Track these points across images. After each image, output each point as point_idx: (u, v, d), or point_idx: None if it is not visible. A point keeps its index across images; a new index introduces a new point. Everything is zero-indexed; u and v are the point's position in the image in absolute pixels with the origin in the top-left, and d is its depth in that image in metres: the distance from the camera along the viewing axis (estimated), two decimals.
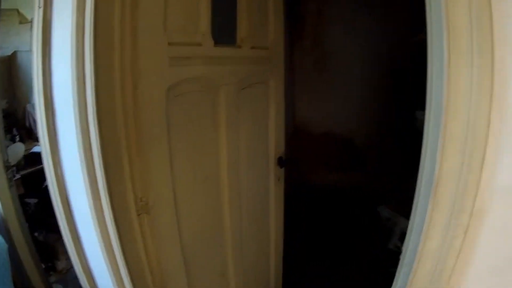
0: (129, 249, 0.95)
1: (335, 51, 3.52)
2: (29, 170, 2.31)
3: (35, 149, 2.46)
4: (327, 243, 2.86)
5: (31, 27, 0.93)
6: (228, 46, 1.39)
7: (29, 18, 2.64)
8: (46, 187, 1.03)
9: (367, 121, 3.63)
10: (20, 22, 2.74)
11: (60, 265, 2.23)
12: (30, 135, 2.72)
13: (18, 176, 2.07)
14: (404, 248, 0.97)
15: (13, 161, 1.86)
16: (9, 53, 2.75)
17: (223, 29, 1.34)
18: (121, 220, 0.88)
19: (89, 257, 1.05)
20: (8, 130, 2.36)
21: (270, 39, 1.62)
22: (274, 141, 1.76)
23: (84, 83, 0.84)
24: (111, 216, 0.85)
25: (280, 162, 1.80)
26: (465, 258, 0.83)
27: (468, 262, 0.83)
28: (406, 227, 2.25)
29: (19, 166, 2.23)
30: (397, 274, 0.97)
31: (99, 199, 0.88)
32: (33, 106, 2.40)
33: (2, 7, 2.05)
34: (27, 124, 2.77)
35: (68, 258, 1.15)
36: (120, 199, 0.90)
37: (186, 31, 1.17)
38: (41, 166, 1.04)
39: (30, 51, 0.96)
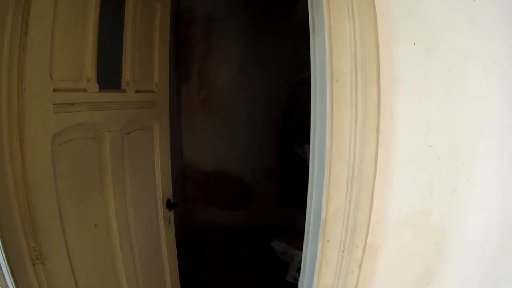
0: None
1: (221, 91, 3.67)
2: None
3: None
4: (226, 280, 2.86)
5: None
6: (113, 91, 1.41)
7: None
8: None
9: (255, 158, 3.78)
10: None
11: None
12: None
13: None
14: (299, 286, 1.00)
15: None
16: None
17: (108, 74, 1.37)
18: (17, 272, 0.82)
19: None
20: None
21: (155, 82, 1.68)
22: (161, 184, 1.78)
23: None
24: (8, 268, 0.79)
25: (169, 204, 1.82)
26: None
27: None
28: None
29: None
30: None
31: None
32: None
33: None
34: None
35: None
36: (15, 250, 0.84)
37: (72, 77, 1.18)
38: None
39: None
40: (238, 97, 3.68)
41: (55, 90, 1.08)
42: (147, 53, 1.60)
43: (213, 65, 3.64)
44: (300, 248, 2.54)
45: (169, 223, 1.85)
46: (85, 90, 1.22)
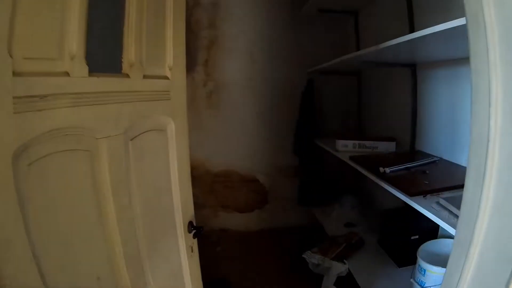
0: None
1: (230, 84, 3.32)
2: None
3: None
4: None
5: None
6: (111, 75, 0.94)
7: None
8: None
9: (269, 156, 3.49)
10: None
11: None
12: None
13: None
14: None
15: None
16: None
17: (103, 51, 0.91)
18: None
19: None
20: None
21: (168, 65, 1.21)
22: (180, 203, 1.33)
23: None
24: None
25: (191, 228, 1.38)
26: None
27: None
28: (342, 271, 2.02)
29: None
30: None
31: None
32: None
33: None
34: None
35: None
36: None
37: (46, 53, 0.72)
38: None
39: None
40: (248, 89, 3.33)
41: (16, 73, 0.63)
42: (157, 25, 1.13)
43: (220, 54, 3.25)
44: (335, 258, 2.16)
45: (192, 251, 1.41)
46: (67, 74, 0.75)
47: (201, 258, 1.49)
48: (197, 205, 3.29)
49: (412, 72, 2.23)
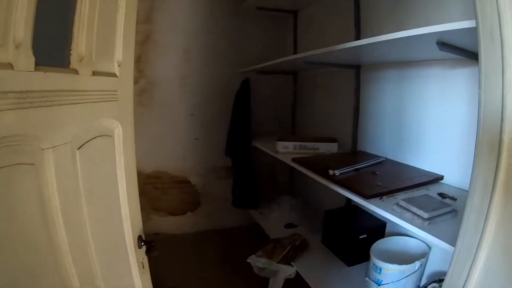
0: None
1: (163, 81, 3.14)
2: None
3: None
4: None
5: None
6: (59, 70, 0.76)
7: None
8: None
9: (202, 156, 3.40)
10: None
11: None
12: None
13: None
14: None
15: None
16: None
17: (49, 40, 0.73)
18: None
19: None
20: None
21: (117, 61, 1.04)
22: (129, 215, 1.17)
23: None
24: None
25: (142, 243, 1.22)
26: None
27: None
28: (290, 273, 1.99)
29: None
30: None
31: None
32: None
33: None
34: None
35: None
36: None
37: None
38: None
39: None
40: (182, 87, 3.19)
41: None
42: (108, 11, 0.96)
43: (154, 50, 3.06)
44: (282, 261, 2.14)
45: (143, 267, 1.25)
46: (10, 66, 0.58)
47: None
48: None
49: (356, 73, 2.26)
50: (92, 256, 0.92)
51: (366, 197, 1.45)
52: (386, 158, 2.01)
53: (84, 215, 0.89)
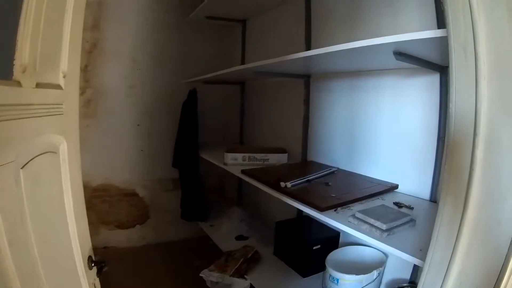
0: None
1: (110, 91, 3.06)
2: None
3: None
4: None
5: None
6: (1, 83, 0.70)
7: None
8: None
9: (149, 168, 3.34)
10: None
11: None
12: None
13: None
14: None
15: None
16: None
17: None
18: None
19: None
20: None
21: (62, 71, 0.98)
22: (77, 235, 1.11)
23: None
24: None
25: (92, 264, 1.17)
26: None
27: None
28: (244, 287, 1.96)
29: None
30: None
31: None
32: None
33: None
34: None
35: None
36: None
37: None
38: None
39: None
40: (129, 98, 3.14)
41: None
42: (53, 20, 0.91)
43: (101, 59, 2.97)
44: (235, 274, 2.12)
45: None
46: None
47: None
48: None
49: (305, 82, 2.28)
50: (42, 281, 0.86)
51: (321, 209, 1.43)
52: (338, 168, 2.02)
53: (31, 238, 0.83)
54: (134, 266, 2.95)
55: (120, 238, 3.30)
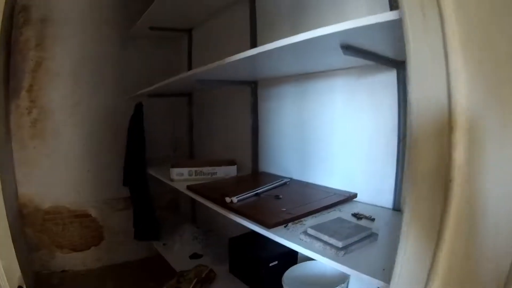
0: None
1: (55, 110, 2.99)
2: None
3: None
4: None
5: None
6: None
7: None
8: None
9: (99, 187, 3.26)
10: None
11: None
12: None
13: None
14: None
15: None
16: None
17: None
18: None
19: None
20: None
21: None
22: (2, 268, 1.08)
23: None
24: None
25: None
26: None
27: None
28: None
29: None
30: None
31: None
32: None
33: None
34: None
35: None
36: None
37: None
38: None
39: None
40: (74, 117, 3.07)
41: None
42: None
43: (45, 78, 2.92)
44: None
45: None
46: None
47: None
48: (32, 247, 2.97)
49: (252, 90, 2.20)
50: None
51: (268, 226, 1.29)
52: (291, 178, 1.93)
53: None
54: None
55: (76, 261, 3.18)
